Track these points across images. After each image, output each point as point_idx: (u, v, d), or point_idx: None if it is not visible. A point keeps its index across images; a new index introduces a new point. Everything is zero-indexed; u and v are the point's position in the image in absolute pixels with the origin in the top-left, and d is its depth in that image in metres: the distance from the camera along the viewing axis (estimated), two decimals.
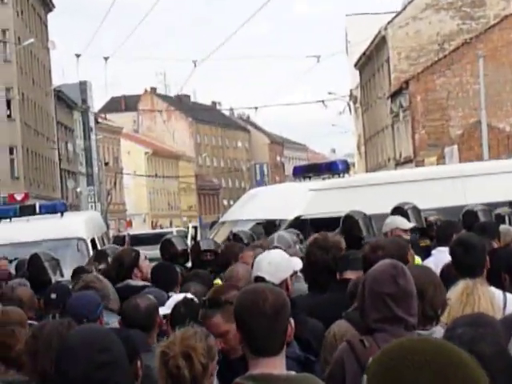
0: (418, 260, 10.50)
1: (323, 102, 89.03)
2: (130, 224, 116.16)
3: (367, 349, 5.94)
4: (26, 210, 25.21)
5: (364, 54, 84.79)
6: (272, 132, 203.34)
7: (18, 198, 38.56)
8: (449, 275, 7.71)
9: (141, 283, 10.84)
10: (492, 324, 5.59)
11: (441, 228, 13.40)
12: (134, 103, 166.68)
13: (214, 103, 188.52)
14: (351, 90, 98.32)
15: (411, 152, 67.38)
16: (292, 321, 5.34)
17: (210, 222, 37.39)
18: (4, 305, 8.86)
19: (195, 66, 60.27)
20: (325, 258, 9.28)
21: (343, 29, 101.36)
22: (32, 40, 78.87)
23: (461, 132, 61.96)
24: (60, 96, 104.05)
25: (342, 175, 20.97)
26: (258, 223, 18.28)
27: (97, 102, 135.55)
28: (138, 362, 6.05)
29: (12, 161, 78.99)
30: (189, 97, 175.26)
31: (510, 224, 14.19)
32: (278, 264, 8.56)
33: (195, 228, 33.04)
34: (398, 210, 14.31)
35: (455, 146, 57.58)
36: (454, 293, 6.65)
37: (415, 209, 14.70)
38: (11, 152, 78.88)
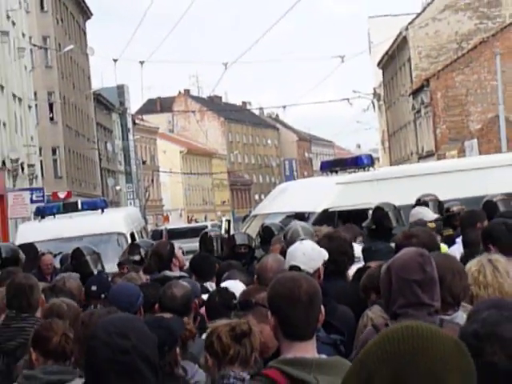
0: (444, 248, 10.46)
1: (348, 100, 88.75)
2: (167, 219, 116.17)
3: None
4: (69, 207, 25.45)
5: (386, 53, 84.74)
6: (300, 129, 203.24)
7: (61, 195, 38.74)
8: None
9: (177, 274, 10.83)
10: None
11: (465, 217, 13.31)
12: (169, 104, 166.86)
13: (244, 103, 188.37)
14: (374, 89, 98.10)
15: (433, 146, 67.21)
16: (323, 307, 5.35)
17: (242, 216, 37.49)
18: (57, 296, 8.89)
19: (226, 68, 60.17)
20: (330, 247, 9.25)
21: (366, 30, 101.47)
22: (72, 46, 79.06)
23: (480, 126, 61.79)
24: (99, 99, 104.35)
25: (367, 169, 20.91)
26: (287, 216, 18.22)
27: (134, 104, 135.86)
28: (177, 349, 6.04)
29: (55, 161, 79.32)
30: (220, 98, 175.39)
31: None
32: (311, 254, 8.59)
33: (228, 222, 32.87)
34: (421, 202, 14.27)
35: (475, 140, 57.38)
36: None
37: (436, 200, 14.65)
38: (54, 152, 79.25)
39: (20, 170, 62.93)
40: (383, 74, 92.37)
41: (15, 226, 43.60)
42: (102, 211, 24.87)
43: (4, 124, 61.01)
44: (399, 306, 5.73)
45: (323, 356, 5.25)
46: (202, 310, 8.42)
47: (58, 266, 16.37)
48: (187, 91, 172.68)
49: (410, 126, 78.11)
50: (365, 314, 7.16)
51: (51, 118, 79.47)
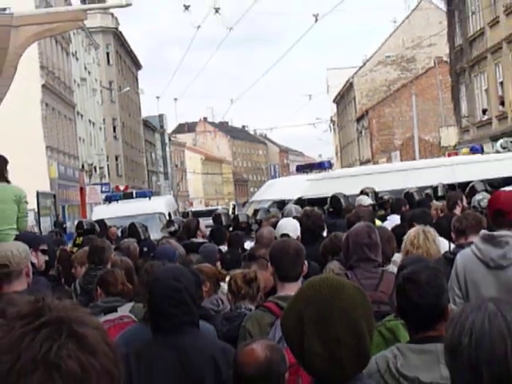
0: (378, 223, 10.48)
1: (314, 124, 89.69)
2: (191, 204, 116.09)
3: (350, 279, 5.93)
4: (127, 196, 25.98)
5: (339, 93, 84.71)
6: (281, 144, 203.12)
7: (121, 188, 38.76)
8: (397, 233, 7.61)
9: (201, 240, 10.91)
10: (434, 261, 5.54)
11: (393, 203, 13.45)
12: (193, 127, 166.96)
13: (243, 126, 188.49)
14: (331, 117, 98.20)
15: (370, 155, 67.35)
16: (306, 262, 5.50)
17: (242, 203, 37.93)
18: (121, 255, 8.98)
19: (232, 102, 60.46)
20: (307, 222, 9.27)
21: (325, 77, 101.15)
22: (128, 88, 79.00)
23: (401, 142, 62.11)
24: (146, 123, 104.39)
25: (327, 170, 21.06)
26: (273, 202, 18.25)
27: (170, 127, 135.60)
28: (203, 288, 6.12)
29: (117, 165, 79.41)
30: (227, 122, 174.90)
31: (435, 200, 14.19)
32: (296, 226, 8.64)
33: (234, 206, 33.78)
34: (363, 192, 14.37)
35: (398, 152, 57.65)
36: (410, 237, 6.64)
37: (373, 191, 14.74)
38: (116, 159, 79.32)
39: (94, 171, 63.39)
40: (337, 107, 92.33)
41: (91, 209, 44.02)
42: (149, 198, 25.31)
43: (83, 140, 61.56)
44: (354, 261, 5.74)
45: None
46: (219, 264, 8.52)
47: (119, 235, 16.54)
48: (205, 118, 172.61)
49: (354, 142, 78.22)
50: (327, 266, 7.16)
51: (114, 136, 79.56)
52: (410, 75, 66.92)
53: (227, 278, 6.60)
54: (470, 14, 42.91)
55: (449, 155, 26.23)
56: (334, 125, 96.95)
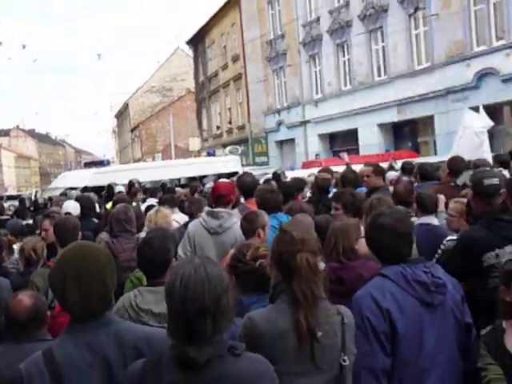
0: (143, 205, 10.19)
1: (100, 132, 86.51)
2: (6, 190, 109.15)
3: (115, 244, 5.79)
4: None
5: (119, 111, 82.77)
6: (76, 146, 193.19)
7: None
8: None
9: (6, 217, 10.24)
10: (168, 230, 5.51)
11: (152, 190, 11.84)
12: (8, 132, 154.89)
13: (47, 132, 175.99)
14: (113, 127, 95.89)
15: (140, 156, 66.68)
16: None
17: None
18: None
19: (36, 114, 57.04)
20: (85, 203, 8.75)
21: (109, 100, 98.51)
22: None
23: (162, 148, 61.90)
24: None
25: (106, 166, 20.61)
26: (66, 189, 16.31)
27: None
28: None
29: None
30: (34, 129, 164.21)
31: (180, 188, 13.95)
32: (76, 206, 8.33)
33: (36, 192, 29.17)
34: (130, 182, 13.31)
35: (160, 154, 57.64)
36: None
37: (138, 181, 13.49)
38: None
39: None
40: (117, 120, 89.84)
41: None
42: None
43: None
44: (116, 231, 5.62)
45: None
46: None
47: None
48: (18, 125, 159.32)
49: (129, 146, 76.77)
50: (99, 236, 6.69)
51: None
52: (168, 100, 66.85)
53: (19, 243, 6.26)
54: (209, 59, 44.12)
55: (195, 156, 26.64)
56: (115, 133, 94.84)
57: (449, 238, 4.59)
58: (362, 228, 3.80)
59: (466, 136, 9.79)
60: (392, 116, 25.04)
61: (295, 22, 31.37)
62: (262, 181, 9.62)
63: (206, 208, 5.99)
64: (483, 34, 20.77)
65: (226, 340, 2.24)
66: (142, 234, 5.47)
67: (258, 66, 35.60)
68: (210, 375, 2.14)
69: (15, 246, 6.74)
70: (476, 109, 11.44)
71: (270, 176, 11.84)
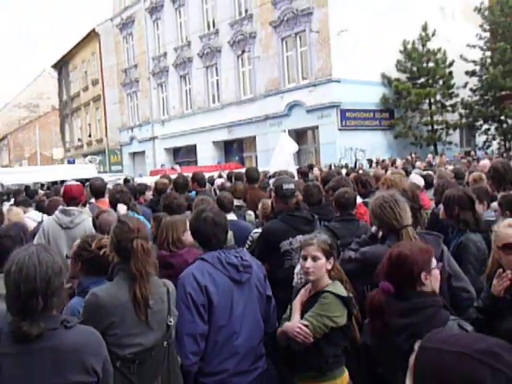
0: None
1: None
2: None
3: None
4: None
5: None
6: None
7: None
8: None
9: None
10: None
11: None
12: None
13: None
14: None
15: (8, 163, 61.53)
16: None
17: None
18: None
19: None
20: None
21: None
22: None
23: (29, 155, 57.07)
24: None
25: None
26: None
27: None
28: None
29: None
30: None
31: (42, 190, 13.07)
32: None
33: None
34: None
35: (27, 160, 53.32)
36: None
37: (1, 184, 12.66)
38: None
39: None
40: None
41: None
42: None
43: None
44: None
45: None
46: None
47: None
48: None
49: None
50: None
51: None
52: (35, 115, 62.61)
53: None
54: (71, 81, 42.28)
55: (58, 164, 25.06)
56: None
57: (255, 230, 4.74)
58: (188, 222, 3.82)
59: (280, 153, 10.43)
60: (223, 135, 25.83)
61: (146, 54, 31.33)
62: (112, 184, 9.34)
63: (60, 207, 5.64)
64: (293, 74, 22.17)
65: (59, 315, 2.19)
66: None
67: (115, 89, 35.31)
68: (40, 346, 2.08)
69: None
70: (289, 132, 12.28)
71: (121, 181, 11.61)
